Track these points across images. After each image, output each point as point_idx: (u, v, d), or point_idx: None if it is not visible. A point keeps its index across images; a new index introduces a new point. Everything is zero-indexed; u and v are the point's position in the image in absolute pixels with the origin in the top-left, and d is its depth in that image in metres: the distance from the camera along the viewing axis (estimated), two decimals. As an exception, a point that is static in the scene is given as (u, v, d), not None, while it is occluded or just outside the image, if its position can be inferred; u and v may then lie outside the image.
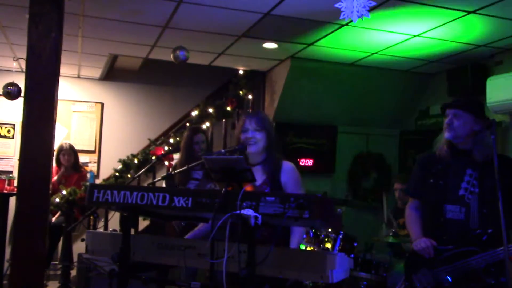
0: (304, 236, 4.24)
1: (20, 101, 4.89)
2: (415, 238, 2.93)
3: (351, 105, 6.38)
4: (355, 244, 4.47)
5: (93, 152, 7.30)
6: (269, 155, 2.81)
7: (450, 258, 2.78)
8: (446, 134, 2.88)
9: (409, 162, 6.66)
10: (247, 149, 2.76)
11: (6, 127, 6.96)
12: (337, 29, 4.64)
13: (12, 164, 6.82)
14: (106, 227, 5.21)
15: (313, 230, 4.33)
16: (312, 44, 5.18)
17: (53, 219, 5.80)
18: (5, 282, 4.78)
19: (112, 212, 4.04)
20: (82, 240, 5.12)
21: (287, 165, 2.82)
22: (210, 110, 6.29)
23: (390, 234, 4.49)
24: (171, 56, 4.98)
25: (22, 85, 4.52)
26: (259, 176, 2.76)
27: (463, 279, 2.74)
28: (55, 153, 5.54)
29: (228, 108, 6.30)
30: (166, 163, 5.97)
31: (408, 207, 3.12)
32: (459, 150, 2.89)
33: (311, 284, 3.98)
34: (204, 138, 4.39)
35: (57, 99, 3.64)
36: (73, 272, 5.67)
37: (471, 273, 2.72)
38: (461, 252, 2.75)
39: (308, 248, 4.24)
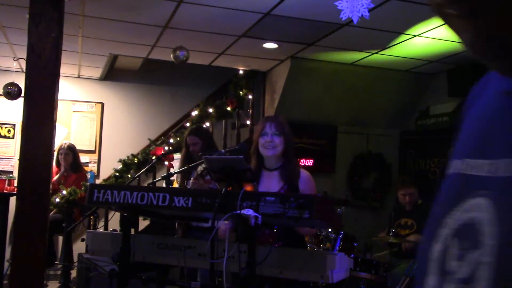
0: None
1: (20, 101, 4.89)
2: None
3: (351, 105, 6.38)
4: (355, 244, 4.47)
5: (93, 152, 7.30)
6: (287, 161, 2.81)
7: None
8: None
9: (409, 162, 6.66)
10: (265, 153, 2.78)
11: (6, 127, 6.96)
12: (337, 29, 4.64)
13: (12, 164, 6.82)
14: (106, 227, 5.21)
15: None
16: (312, 44, 5.18)
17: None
18: (5, 282, 4.79)
19: (112, 212, 4.04)
20: (82, 240, 5.11)
21: (304, 173, 2.85)
22: (210, 110, 6.29)
23: (391, 234, 4.49)
24: (171, 56, 4.98)
25: (22, 85, 4.52)
26: (276, 182, 2.78)
27: None
28: (55, 153, 5.54)
29: (228, 108, 6.30)
30: (166, 163, 5.97)
31: None
32: None
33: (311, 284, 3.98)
34: (197, 140, 4.21)
35: (57, 99, 3.64)
36: (73, 272, 5.67)
37: None
38: None
39: (308, 248, 4.24)
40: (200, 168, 3.61)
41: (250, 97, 6.50)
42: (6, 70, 6.55)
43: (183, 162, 4.14)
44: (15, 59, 5.74)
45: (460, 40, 0.44)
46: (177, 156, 6.30)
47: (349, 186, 6.64)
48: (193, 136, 4.22)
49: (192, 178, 3.65)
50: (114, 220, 3.63)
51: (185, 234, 4.02)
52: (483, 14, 0.41)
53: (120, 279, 2.24)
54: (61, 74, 3.74)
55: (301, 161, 6.29)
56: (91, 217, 5.32)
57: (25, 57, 3.57)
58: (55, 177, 5.93)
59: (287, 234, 2.70)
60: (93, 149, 7.30)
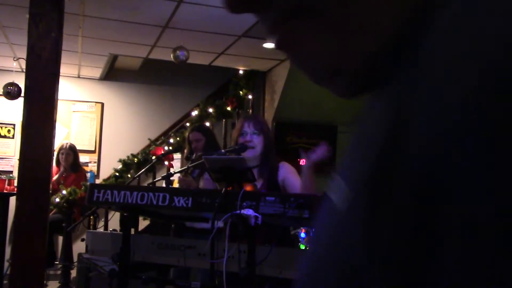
0: (305, 235, 4.25)
1: (20, 101, 4.89)
2: None
3: (351, 105, 6.35)
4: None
5: (93, 152, 7.29)
6: (266, 158, 2.83)
7: None
8: None
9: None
10: (245, 152, 2.77)
11: (6, 127, 6.96)
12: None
13: (12, 164, 6.82)
14: (106, 227, 5.20)
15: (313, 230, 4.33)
16: (312, 44, 5.18)
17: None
18: (5, 282, 4.79)
19: (112, 212, 4.04)
20: (82, 240, 5.11)
21: (283, 165, 2.92)
22: (210, 110, 6.30)
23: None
24: (171, 56, 4.98)
25: (22, 85, 4.52)
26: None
27: None
28: (55, 152, 5.54)
29: (228, 108, 6.30)
30: (166, 163, 5.97)
31: None
32: None
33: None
34: (200, 136, 4.10)
35: (57, 99, 3.64)
36: (73, 272, 5.68)
37: None
38: None
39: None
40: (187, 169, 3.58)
41: (250, 97, 6.50)
42: (6, 70, 6.55)
43: (185, 160, 4.12)
44: (15, 59, 5.74)
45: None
46: (177, 156, 6.32)
47: (349, 186, 6.64)
48: (197, 132, 4.16)
49: (180, 175, 3.61)
50: (114, 220, 3.63)
51: (179, 236, 4.00)
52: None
53: (120, 279, 2.24)
54: (61, 74, 3.74)
55: (301, 161, 6.28)
56: (91, 217, 5.32)
57: (25, 57, 3.57)
58: (55, 177, 5.93)
59: (276, 233, 2.71)
60: (93, 149, 7.29)
